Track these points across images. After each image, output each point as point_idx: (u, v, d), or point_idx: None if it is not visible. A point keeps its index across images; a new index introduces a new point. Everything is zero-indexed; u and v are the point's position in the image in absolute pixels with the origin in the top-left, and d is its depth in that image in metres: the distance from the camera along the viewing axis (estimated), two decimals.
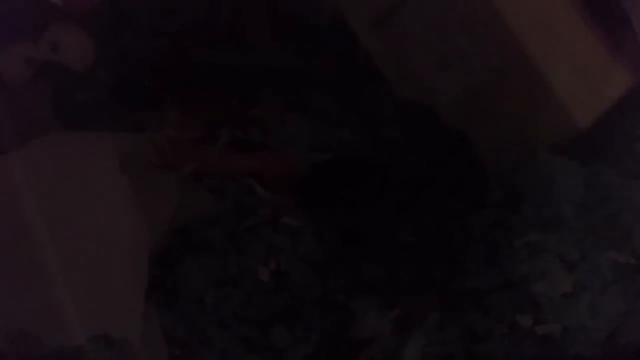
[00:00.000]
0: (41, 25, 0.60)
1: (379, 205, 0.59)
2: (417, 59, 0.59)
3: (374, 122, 0.62)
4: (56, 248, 0.49)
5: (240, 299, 0.54)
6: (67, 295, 0.49)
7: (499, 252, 0.55)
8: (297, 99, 0.63)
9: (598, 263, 0.54)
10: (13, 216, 0.50)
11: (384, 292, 0.56)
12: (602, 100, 0.57)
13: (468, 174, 0.59)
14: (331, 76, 0.64)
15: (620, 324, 0.53)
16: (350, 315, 0.55)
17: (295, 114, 0.62)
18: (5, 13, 0.60)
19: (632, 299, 0.53)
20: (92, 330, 0.49)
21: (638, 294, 0.54)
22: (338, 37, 0.62)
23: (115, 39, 0.65)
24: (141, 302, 0.50)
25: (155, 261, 0.53)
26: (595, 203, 0.56)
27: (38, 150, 0.52)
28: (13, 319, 0.49)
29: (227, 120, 0.64)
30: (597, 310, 0.53)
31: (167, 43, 0.66)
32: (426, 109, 0.60)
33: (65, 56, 0.61)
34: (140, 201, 0.52)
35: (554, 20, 0.57)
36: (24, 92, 0.59)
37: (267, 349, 0.53)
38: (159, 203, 0.54)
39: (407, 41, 0.59)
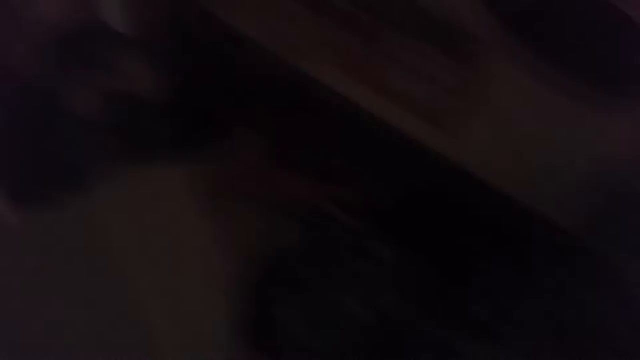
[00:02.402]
0: (110, 54, 0.57)
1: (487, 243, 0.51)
2: None
3: None
4: (135, 279, 0.43)
5: (344, 343, 0.46)
6: (148, 329, 0.43)
7: None
8: None
9: None
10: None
11: (502, 336, 0.48)
12: None
13: None
14: None
15: None
16: None
17: None
18: (75, 42, 0.56)
19: None
20: None
21: None
22: None
23: (179, 63, 0.61)
24: (228, 339, 0.43)
25: (243, 297, 0.46)
26: None
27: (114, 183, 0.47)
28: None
29: (301, 142, 0.59)
30: None
31: (232, 61, 0.62)
32: None
33: (134, 85, 0.56)
34: (220, 231, 0.46)
35: None
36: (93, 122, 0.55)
37: None
38: (239, 232, 0.48)
39: None
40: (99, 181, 0.50)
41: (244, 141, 0.60)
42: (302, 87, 0.54)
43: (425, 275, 0.52)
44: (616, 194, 0.51)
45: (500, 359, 0.49)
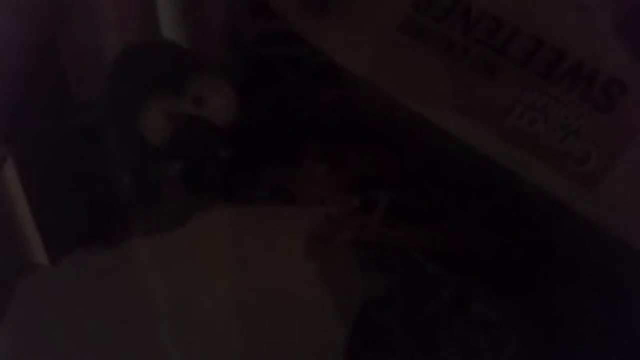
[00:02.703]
0: (183, 79, 0.53)
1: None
2: None
3: None
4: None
5: None
6: None
7: None
8: None
9: None
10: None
11: None
12: None
13: None
14: None
15: None
16: None
17: None
18: (146, 66, 0.53)
19: None
20: None
21: None
22: None
23: (250, 90, 0.57)
24: None
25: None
26: None
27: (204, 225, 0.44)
28: None
29: (381, 179, 0.54)
30: None
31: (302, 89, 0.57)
32: None
33: (209, 111, 0.53)
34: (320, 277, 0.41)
35: None
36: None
37: None
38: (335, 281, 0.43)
39: None
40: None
41: (316, 173, 0.56)
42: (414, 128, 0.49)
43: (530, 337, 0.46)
44: None
45: None
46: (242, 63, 0.60)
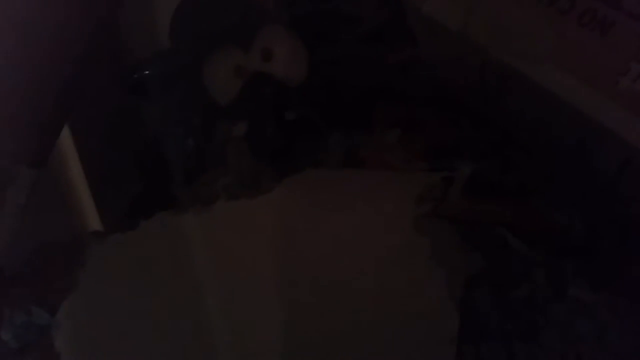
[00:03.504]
0: (253, 31, 0.48)
1: None
2: None
3: None
4: None
5: None
6: None
7: None
8: None
9: None
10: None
11: None
12: None
13: None
14: None
15: None
16: None
17: None
18: (211, 17, 0.48)
19: None
20: None
21: None
22: None
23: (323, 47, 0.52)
24: None
25: None
26: None
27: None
28: None
29: (459, 148, 0.49)
30: None
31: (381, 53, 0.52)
32: None
33: (278, 67, 0.48)
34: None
35: None
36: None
37: None
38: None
39: None
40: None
41: (389, 139, 0.51)
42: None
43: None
44: None
45: None
46: (304, 19, 0.56)
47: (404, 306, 0.37)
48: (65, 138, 0.47)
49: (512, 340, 0.40)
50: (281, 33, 0.50)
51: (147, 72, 0.49)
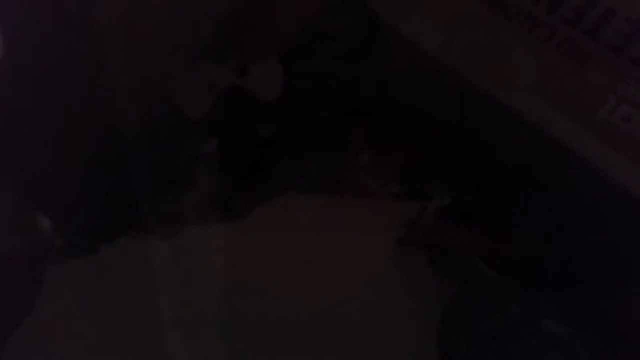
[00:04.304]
0: (227, 46, 0.47)
1: None
2: None
3: None
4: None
5: None
6: None
7: None
8: None
9: None
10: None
11: None
12: None
13: None
14: None
15: None
16: None
17: None
18: (188, 31, 0.46)
19: None
20: None
21: None
22: None
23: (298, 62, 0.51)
24: None
25: None
26: None
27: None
28: None
29: (434, 170, 0.48)
30: None
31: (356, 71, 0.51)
32: None
33: (253, 83, 0.47)
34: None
35: None
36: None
37: None
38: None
39: None
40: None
41: (364, 160, 0.51)
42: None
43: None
44: None
45: None
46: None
47: (380, 340, 0.36)
48: None
49: None
50: (257, 49, 0.48)
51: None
